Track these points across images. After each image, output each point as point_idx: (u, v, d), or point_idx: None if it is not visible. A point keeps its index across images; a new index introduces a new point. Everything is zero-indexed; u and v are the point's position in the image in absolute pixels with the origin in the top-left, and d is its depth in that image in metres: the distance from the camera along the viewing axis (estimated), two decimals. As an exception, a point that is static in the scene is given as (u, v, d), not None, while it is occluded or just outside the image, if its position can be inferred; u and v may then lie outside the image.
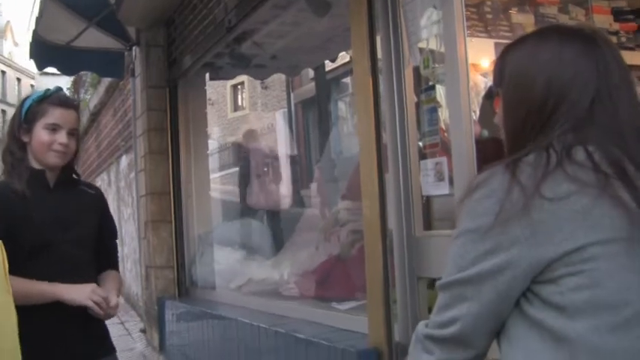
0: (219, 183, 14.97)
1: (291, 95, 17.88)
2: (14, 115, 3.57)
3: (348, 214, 6.02)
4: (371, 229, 4.21)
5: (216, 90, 25.10)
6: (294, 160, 12.90)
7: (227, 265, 7.99)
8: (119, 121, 12.32)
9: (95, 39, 8.69)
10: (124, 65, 9.55)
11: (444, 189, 3.73)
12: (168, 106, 8.47)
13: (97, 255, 3.69)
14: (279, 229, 8.83)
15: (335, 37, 6.03)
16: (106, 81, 12.77)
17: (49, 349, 3.39)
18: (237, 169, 14.56)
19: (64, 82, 24.94)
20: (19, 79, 70.76)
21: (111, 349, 3.71)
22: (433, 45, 3.88)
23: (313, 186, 8.78)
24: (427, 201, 4.01)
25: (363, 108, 4.24)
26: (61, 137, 3.43)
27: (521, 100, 1.87)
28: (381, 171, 4.14)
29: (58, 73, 9.49)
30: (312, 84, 12.81)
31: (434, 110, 3.87)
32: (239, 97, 29.80)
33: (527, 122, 1.84)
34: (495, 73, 2.00)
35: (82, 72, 12.34)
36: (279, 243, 7.97)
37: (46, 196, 3.48)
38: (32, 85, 65.56)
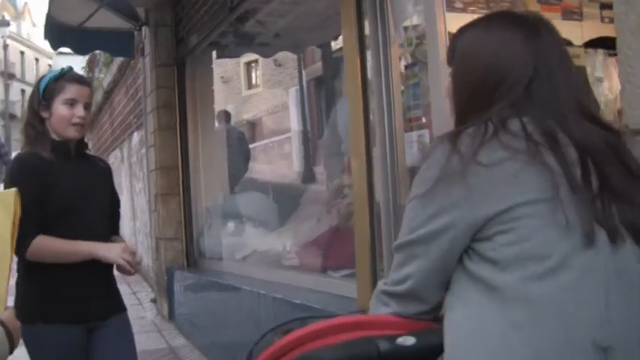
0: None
1: (303, 73, 17.90)
2: (32, 93, 3.82)
3: (350, 187, 6.20)
4: (360, 200, 4.43)
5: (230, 68, 25.08)
6: (305, 137, 13.02)
7: (233, 237, 8.22)
8: (131, 99, 12.49)
9: (106, 19, 8.89)
10: (134, 45, 9.74)
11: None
12: (177, 84, 8.68)
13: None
14: (286, 203, 9.01)
15: (335, 15, 6.17)
16: (119, 60, 12.91)
17: (70, 305, 3.67)
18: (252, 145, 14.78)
19: (80, 62, 25.10)
20: (37, 59, 70.74)
21: (123, 308, 3.97)
22: (416, 22, 4.07)
23: (321, 161, 8.93)
24: (412, 172, 4.16)
25: (352, 85, 4.45)
26: (79, 111, 3.69)
27: (466, 78, 2.06)
28: (369, 145, 4.35)
29: (73, 53, 9.68)
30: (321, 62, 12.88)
31: (417, 86, 4.06)
32: (253, 74, 29.77)
33: (472, 99, 2.04)
34: (449, 51, 2.20)
35: (95, 51, 12.51)
36: (284, 216, 8.09)
37: (70, 164, 3.74)
38: (50, 65, 65.43)
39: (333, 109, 8.71)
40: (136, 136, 12.29)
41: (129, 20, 9.08)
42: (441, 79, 3.68)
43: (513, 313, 1.81)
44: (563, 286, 1.80)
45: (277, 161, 14.61)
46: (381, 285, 2.10)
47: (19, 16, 71.16)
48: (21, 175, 3.64)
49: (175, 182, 8.58)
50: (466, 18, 3.75)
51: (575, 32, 4.92)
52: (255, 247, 7.49)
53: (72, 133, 3.72)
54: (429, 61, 3.86)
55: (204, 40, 7.99)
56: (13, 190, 2.71)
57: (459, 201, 1.86)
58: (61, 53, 16.93)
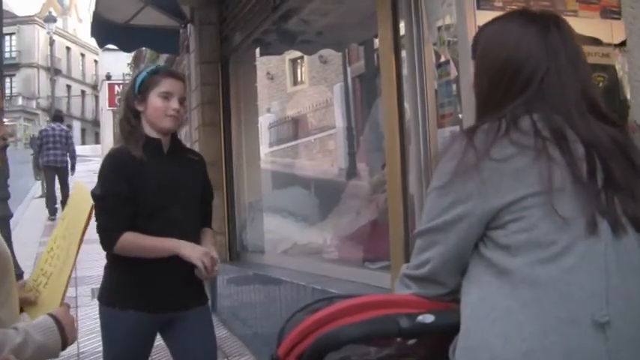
0: (275, 156, 15.24)
1: (348, 69, 17.91)
2: (128, 87, 4.03)
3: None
4: (394, 195, 4.57)
5: (276, 65, 25.11)
6: (350, 133, 13.12)
7: (275, 231, 8.38)
8: (178, 94, 12.61)
9: (152, 17, 9.08)
10: (179, 42, 9.92)
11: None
12: (221, 81, 8.83)
13: (200, 214, 4.11)
14: (327, 198, 9.13)
15: (375, 14, 6.30)
16: (164, 57, 13.05)
17: (148, 294, 3.85)
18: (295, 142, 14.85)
19: (126, 57, 25.33)
20: (83, 55, 71.35)
21: (204, 301, 4.13)
22: (449, 21, 4.18)
23: (363, 156, 9.04)
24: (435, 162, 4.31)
25: (387, 83, 4.59)
26: (174, 103, 3.85)
27: (485, 71, 2.22)
28: (403, 141, 4.50)
29: (114, 48, 9.82)
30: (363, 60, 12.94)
31: (449, 83, 4.19)
32: (298, 71, 29.81)
33: (489, 91, 2.19)
34: (473, 46, 2.35)
35: (141, 48, 12.69)
36: (325, 211, 8.26)
37: (160, 162, 3.89)
38: (96, 61, 66.12)
39: (374, 105, 8.81)
40: (182, 132, 12.42)
41: (174, 18, 9.27)
42: (470, 72, 3.78)
43: (521, 294, 1.98)
44: (565, 270, 1.96)
45: (320, 157, 14.68)
46: (403, 268, 2.27)
47: (65, 11, 71.79)
48: (111, 172, 3.86)
49: (219, 177, 8.67)
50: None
51: (607, 31, 5.00)
52: (296, 241, 7.66)
53: (167, 124, 3.88)
54: (460, 59, 3.99)
55: (247, 38, 8.15)
56: (92, 202, 2.85)
57: (473, 193, 2.03)
58: (107, 49, 17.09)
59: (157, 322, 3.93)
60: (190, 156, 4.20)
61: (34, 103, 67.11)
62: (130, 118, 3.94)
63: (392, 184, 4.60)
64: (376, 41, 10.10)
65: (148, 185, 3.82)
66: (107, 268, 4.00)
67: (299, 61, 28.31)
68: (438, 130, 4.27)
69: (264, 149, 16.24)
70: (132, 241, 3.78)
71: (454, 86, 4.16)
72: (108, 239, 3.81)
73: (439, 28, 4.28)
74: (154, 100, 3.85)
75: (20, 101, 66.28)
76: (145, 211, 3.82)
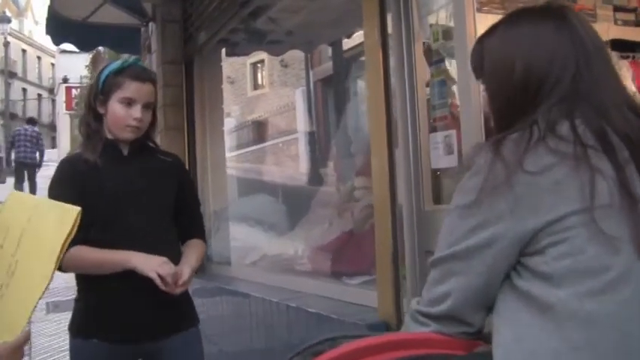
0: (237, 161, 14.99)
1: (310, 73, 17.82)
2: (91, 85, 3.60)
3: (363, 189, 6.02)
4: (381, 203, 4.21)
5: (236, 68, 24.98)
6: (312, 138, 12.89)
7: (242, 241, 8.05)
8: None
9: (111, 15, 8.68)
10: (141, 41, 9.54)
11: (453, 162, 3.74)
12: (184, 82, 8.44)
13: (179, 224, 3.68)
14: (295, 205, 8.84)
15: (350, 11, 5.99)
16: (125, 57, 12.74)
17: (119, 320, 3.44)
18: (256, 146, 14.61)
19: (84, 60, 25.06)
20: (39, 58, 70.85)
21: (191, 322, 3.69)
22: (443, 18, 3.87)
23: (330, 163, 8.80)
24: (437, 175, 4.01)
25: (373, 82, 4.24)
26: (136, 112, 3.41)
27: (503, 87, 1.92)
28: (391, 145, 4.14)
29: (77, 51, 9.52)
30: (331, 62, 12.82)
31: (443, 83, 3.87)
32: (259, 75, 29.73)
33: (512, 106, 1.89)
34: (474, 64, 2.05)
35: (100, 48, 12.36)
36: (294, 219, 7.93)
37: (118, 166, 3.49)
38: (53, 64, 65.71)
39: (343, 110, 8.54)
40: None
41: (135, 16, 8.87)
42: (469, 77, 3.49)
43: (570, 335, 1.66)
44: (624, 303, 1.66)
45: (285, 163, 14.44)
46: (414, 304, 1.94)
47: (21, 13, 71.26)
48: (59, 181, 3.48)
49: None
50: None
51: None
52: (265, 252, 7.34)
53: (126, 134, 3.46)
54: (457, 59, 3.68)
55: (213, 37, 7.78)
56: (79, 208, 2.53)
57: (505, 212, 1.73)
58: (64, 51, 17.00)
59: (131, 355, 3.52)
60: (162, 158, 3.72)
61: None
62: (90, 121, 3.53)
63: (378, 191, 4.24)
64: (345, 42, 9.93)
65: (101, 191, 3.43)
66: (77, 296, 3.62)
67: (259, 65, 28.27)
68: (430, 134, 3.93)
69: (226, 154, 16.05)
70: (79, 255, 3.32)
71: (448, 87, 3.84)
72: None
73: (431, 25, 3.97)
74: (114, 106, 3.44)
75: None
76: (98, 220, 3.39)
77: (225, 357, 6.63)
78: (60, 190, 3.41)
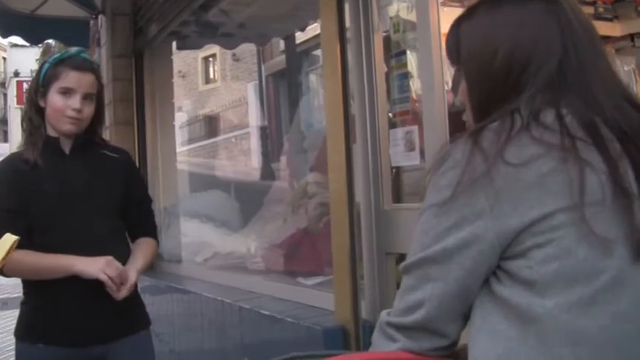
0: (189, 156, 14.82)
1: (262, 67, 17.77)
2: (33, 79, 3.45)
3: (317, 186, 5.88)
4: (337, 201, 4.05)
5: (187, 62, 24.86)
6: (264, 133, 12.80)
7: (193, 238, 7.91)
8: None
9: (60, 7, 8.48)
10: (90, 34, 9.33)
11: (414, 159, 3.59)
12: (134, 77, 8.26)
13: (128, 222, 3.53)
14: (248, 201, 8.69)
15: (304, 4, 5.85)
16: (72, 49, 12.56)
17: (66, 324, 3.28)
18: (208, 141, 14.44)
19: (35, 53, 24.69)
20: (-11, 51, 70.12)
21: (142, 324, 3.56)
22: (404, 10, 3.73)
23: (283, 158, 8.67)
24: (397, 173, 3.87)
25: (330, 75, 4.07)
26: (75, 102, 3.26)
27: (484, 74, 1.74)
28: (349, 140, 3.97)
29: (29, 45, 9.30)
30: (284, 56, 12.73)
31: (404, 77, 3.73)
32: (210, 69, 29.57)
33: (494, 94, 1.72)
34: (450, 50, 1.86)
35: (50, 42, 12.14)
36: (247, 216, 7.77)
37: (59, 164, 3.34)
38: (4, 58, 65.07)
39: (296, 104, 8.44)
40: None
41: (84, 8, 8.65)
42: (433, 69, 3.35)
43: (557, 353, 1.48)
44: (620, 315, 1.48)
45: (237, 158, 14.33)
46: (384, 315, 1.75)
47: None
48: None
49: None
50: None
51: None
52: (217, 250, 7.16)
53: (66, 126, 3.29)
54: (420, 51, 3.52)
55: (163, 30, 7.58)
56: (16, 237, 2.48)
57: (484, 209, 1.55)
58: (15, 45, 16.77)
59: (80, 359, 3.33)
60: (108, 153, 3.54)
61: None
62: (31, 117, 3.36)
63: (335, 188, 4.07)
64: (298, 35, 9.81)
65: (40, 193, 3.27)
66: (23, 298, 3.46)
67: (211, 59, 28.15)
68: (390, 130, 3.78)
69: (177, 149, 15.93)
70: (19, 260, 3.16)
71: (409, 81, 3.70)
72: None
73: (391, 17, 3.82)
74: (53, 97, 3.29)
75: None
76: (40, 223, 3.26)
77: (176, 357, 6.49)
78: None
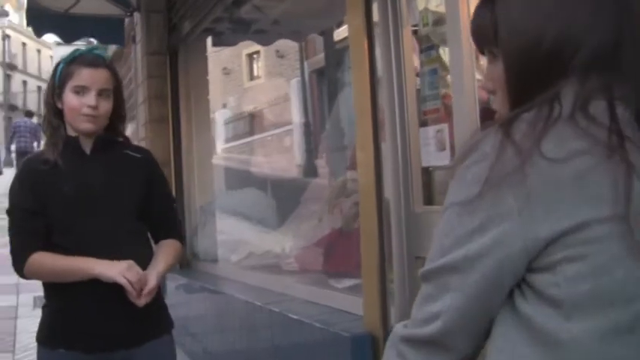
0: (232, 153, 14.73)
1: (305, 63, 17.63)
2: (49, 81, 3.33)
3: (353, 184, 5.75)
4: (366, 202, 3.94)
5: (232, 59, 24.85)
6: (306, 130, 12.66)
7: (229, 237, 7.83)
8: (125, 88, 12.07)
9: (95, 5, 8.47)
10: (125, 32, 9.30)
11: (444, 159, 3.42)
12: (169, 74, 8.22)
13: (150, 224, 3.41)
14: (286, 200, 8.58)
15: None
16: (113, 48, 12.53)
17: (86, 328, 3.17)
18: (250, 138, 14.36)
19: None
20: (39, 51, 70.82)
21: (165, 329, 3.41)
22: (433, 2, 3.57)
23: (322, 156, 8.56)
24: (427, 173, 3.70)
25: (358, 72, 3.96)
26: (89, 99, 3.14)
27: (529, 57, 1.49)
28: (377, 139, 3.85)
29: (79, 44, 9.29)
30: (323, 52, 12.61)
31: (435, 72, 3.57)
32: (254, 66, 29.57)
33: (538, 79, 1.47)
34: (483, 29, 1.59)
35: (92, 40, 12.15)
36: (283, 215, 7.65)
37: (80, 164, 3.23)
38: (51, 57, 65.88)
39: (335, 100, 8.32)
40: (129, 129, 11.91)
41: (119, 6, 8.60)
42: (463, 64, 3.18)
43: None
44: None
45: (277, 155, 14.21)
46: (399, 328, 1.55)
47: (21, 7, 71.36)
48: (17, 184, 3.25)
49: (168, 179, 7.99)
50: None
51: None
52: (252, 250, 7.08)
53: (83, 124, 3.17)
54: (450, 45, 3.35)
55: (197, 27, 7.51)
56: None
57: (512, 211, 1.34)
58: (60, 44, 16.80)
59: None
60: (130, 153, 3.41)
61: None
62: (50, 119, 3.26)
63: (364, 187, 3.95)
64: (336, 31, 9.69)
65: (60, 194, 3.15)
66: (44, 302, 3.36)
67: (255, 55, 28.16)
68: (420, 129, 3.63)
69: (220, 146, 15.86)
70: (40, 262, 3.11)
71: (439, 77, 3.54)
72: (16, 262, 3.18)
73: (421, 11, 3.67)
74: (69, 96, 3.16)
75: None
76: (59, 224, 3.15)
77: (209, 357, 6.43)
78: (19, 194, 3.22)
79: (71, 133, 3.22)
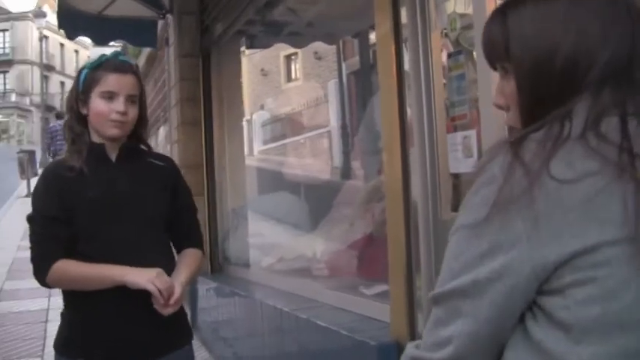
0: (271, 154, 14.74)
1: (343, 65, 17.59)
2: (72, 86, 3.29)
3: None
4: (393, 208, 3.87)
5: (270, 61, 24.90)
6: (344, 132, 12.63)
7: (260, 241, 7.80)
8: (159, 91, 12.14)
9: (128, 7, 8.48)
10: (158, 34, 9.32)
11: (471, 166, 3.34)
12: (202, 76, 8.20)
13: (173, 233, 3.37)
14: (318, 203, 8.53)
15: (371, 2, 5.67)
16: (147, 51, 12.57)
17: (108, 338, 3.13)
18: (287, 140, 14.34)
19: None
20: (76, 51, 71.59)
21: (182, 343, 3.37)
22: (461, 5, 3.49)
23: (355, 159, 8.52)
24: (455, 180, 3.62)
25: (385, 75, 3.90)
26: (118, 105, 3.10)
27: (541, 72, 1.46)
28: (405, 144, 3.79)
29: (113, 45, 9.32)
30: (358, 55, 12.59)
31: (462, 77, 3.49)
32: (292, 67, 29.58)
33: (550, 95, 1.45)
34: (494, 44, 1.57)
35: (120, 42, 12.20)
36: (316, 219, 7.58)
37: (105, 172, 3.19)
38: (89, 57, 66.49)
39: (369, 103, 8.27)
40: (162, 131, 11.95)
41: (152, 8, 8.63)
42: (490, 70, 3.10)
43: None
44: None
45: (314, 157, 14.19)
46: (411, 349, 1.53)
47: (59, 8, 72.31)
48: (41, 190, 3.20)
49: (200, 182, 8.02)
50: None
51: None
52: (283, 255, 7.02)
53: (111, 130, 3.13)
54: (477, 49, 3.24)
55: (229, 29, 7.50)
56: None
57: (520, 236, 1.31)
58: (97, 45, 16.98)
59: None
60: (154, 162, 3.38)
61: (27, 100, 68.01)
62: (73, 125, 3.21)
63: (391, 192, 3.90)
64: (372, 34, 9.62)
65: (86, 201, 3.10)
66: (63, 309, 3.31)
67: (293, 57, 28.17)
68: (448, 135, 3.56)
69: (257, 147, 15.85)
70: (65, 270, 3.05)
71: (467, 82, 3.46)
72: (38, 269, 3.11)
73: (449, 15, 3.60)
74: (95, 102, 3.11)
75: (13, 98, 67.61)
76: (84, 232, 3.10)
77: (240, 362, 6.38)
78: (43, 200, 3.17)
79: (95, 139, 3.19)
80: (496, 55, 1.56)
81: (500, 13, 1.57)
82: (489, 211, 1.35)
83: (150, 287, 2.98)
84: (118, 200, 3.15)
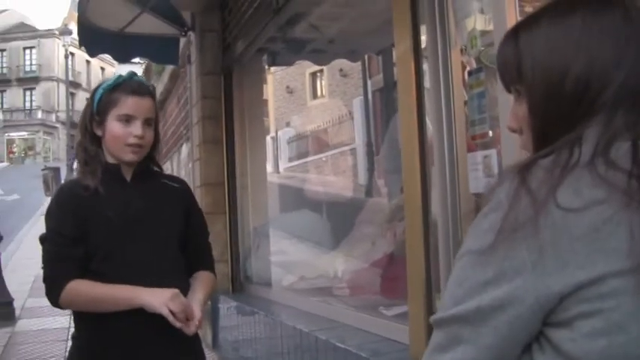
0: (297, 171, 14.71)
1: (368, 82, 17.59)
2: (86, 107, 3.21)
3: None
4: (413, 228, 3.81)
5: (296, 77, 24.94)
6: (369, 150, 12.61)
7: (281, 259, 7.73)
8: (182, 109, 12.15)
9: (149, 25, 8.40)
10: (179, 51, 9.27)
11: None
12: (223, 94, 8.18)
13: (186, 255, 3.29)
14: (340, 222, 8.48)
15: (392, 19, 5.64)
16: (170, 68, 12.58)
17: (122, 353, 3.05)
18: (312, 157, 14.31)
19: (139, 69, 25.12)
20: (102, 68, 72.02)
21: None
22: (481, 22, 3.44)
23: (382, 177, 8.47)
24: (476, 200, 3.55)
25: (404, 93, 3.84)
26: (136, 129, 3.03)
27: (552, 95, 1.41)
28: (424, 163, 3.74)
29: (138, 62, 9.26)
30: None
31: (483, 95, 3.43)
32: (318, 84, 29.61)
33: (562, 118, 1.40)
34: (507, 66, 1.50)
35: (144, 59, 12.18)
36: (338, 237, 7.56)
37: (121, 191, 3.12)
38: (114, 74, 67.06)
39: (392, 121, 8.22)
40: (185, 149, 11.95)
41: (174, 25, 8.59)
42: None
43: None
44: None
45: (338, 174, 14.16)
46: None
47: (85, 25, 72.96)
48: (55, 209, 3.12)
49: (221, 200, 8.02)
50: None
51: None
52: (304, 273, 6.95)
53: (128, 155, 3.07)
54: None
55: (250, 46, 7.45)
56: None
57: (525, 265, 1.26)
58: (125, 62, 17.04)
59: None
60: (168, 183, 3.32)
61: (53, 117, 68.48)
62: (87, 146, 3.12)
63: (410, 210, 3.85)
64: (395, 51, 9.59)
65: (102, 220, 3.03)
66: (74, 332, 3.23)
67: (318, 74, 28.20)
68: (468, 154, 3.49)
69: (283, 165, 15.84)
70: (78, 290, 2.97)
71: (488, 100, 3.40)
72: (50, 290, 3.03)
73: (469, 32, 3.54)
74: (112, 124, 3.04)
75: (40, 114, 68.05)
76: (99, 251, 3.02)
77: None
78: (58, 218, 3.08)
79: (110, 160, 3.14)
80: (509, 78, 1.50)
81: (513, 33, 1.52)
82: (495, 238, 1.30)
83: (164, 311, 2.91)
84: (133, 220, 3.09)
